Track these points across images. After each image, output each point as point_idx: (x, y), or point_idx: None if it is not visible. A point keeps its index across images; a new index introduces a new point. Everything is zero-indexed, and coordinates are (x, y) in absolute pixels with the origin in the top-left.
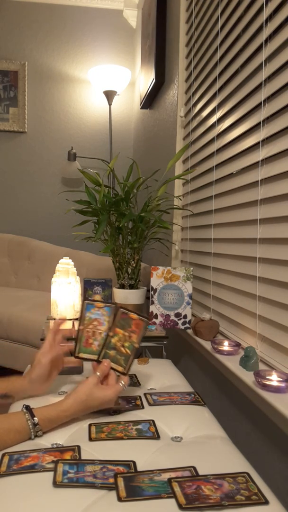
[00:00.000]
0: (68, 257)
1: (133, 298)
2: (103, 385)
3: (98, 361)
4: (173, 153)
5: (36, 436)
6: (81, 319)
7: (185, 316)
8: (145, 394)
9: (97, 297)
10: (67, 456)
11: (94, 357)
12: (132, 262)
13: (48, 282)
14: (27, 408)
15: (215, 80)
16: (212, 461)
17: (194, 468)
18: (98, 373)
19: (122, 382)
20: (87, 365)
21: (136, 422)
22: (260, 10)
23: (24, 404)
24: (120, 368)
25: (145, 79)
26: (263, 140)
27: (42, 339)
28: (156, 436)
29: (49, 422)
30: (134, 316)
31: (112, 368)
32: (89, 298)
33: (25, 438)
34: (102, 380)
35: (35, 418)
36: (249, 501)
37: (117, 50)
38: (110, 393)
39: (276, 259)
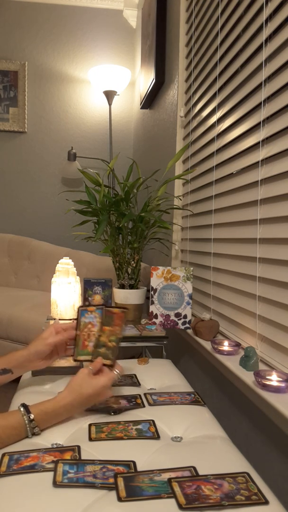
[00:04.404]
0: (68, 257)
1: (133, 298)
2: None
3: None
4: (173, 153)
5: (33, 434)
6: (77, 325)
7: (185, 316)
8: (145, 394)
9: (97, 297)
10: (67, 456)
11: (90, 357)
12: (132, 262)
13: (48, 282)
14: (23, 405)
15: (215, 80)
16: (212, 461)
17: (194, 468)
18: (90, 367)
19: (117, 370)
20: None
21: (136, 422)
22: (260, 10)
23: (22, 403)
24: (108, 362)
25: (145, 79)
26: (263, 140)
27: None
28: (156, 436)
29: (45, 415)
30: (116, 310)
31: (104, 365)
32: (85, 303)
33: (21, 434)
34: (95, 374)
35: (30, 414)
36: (249, 501)
37: (117, 50)
38: (104, 379)
39: (276, 259)
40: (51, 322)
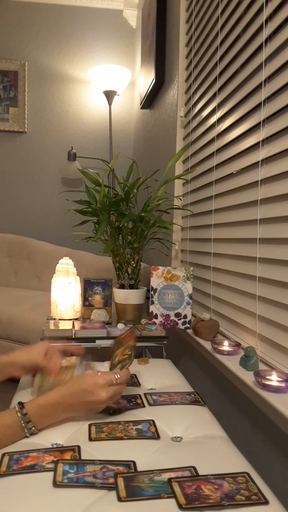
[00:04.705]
0: (68, 257)
1: (133, 298)
2: None
3: None
4: (173, 153)
5: (31, 433)
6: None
7: (185, 316)
8: (145, 394)
9: (97, 297)
10: (67, 456)
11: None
12: (132, 262)
13: (48, 282)
14: (19, 402)
15: (215, 80)
16: (212, 461)
17: (194, 468)
18: (99, 372)
19: (117, 375)
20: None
21: (136, 422)
22: (260, 10)
23: (18, 401)
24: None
25: (145, 79)
26: (263, 140)
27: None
28: (156, 436)
29: (39, 408)
30: (123, 335)
31: None
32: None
33: (17, 432)
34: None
35: (23, 409)
36: (249, 501)
37: (117, 50)
38: (98, 378)
39: (276, 259)
40: (51, 322)
